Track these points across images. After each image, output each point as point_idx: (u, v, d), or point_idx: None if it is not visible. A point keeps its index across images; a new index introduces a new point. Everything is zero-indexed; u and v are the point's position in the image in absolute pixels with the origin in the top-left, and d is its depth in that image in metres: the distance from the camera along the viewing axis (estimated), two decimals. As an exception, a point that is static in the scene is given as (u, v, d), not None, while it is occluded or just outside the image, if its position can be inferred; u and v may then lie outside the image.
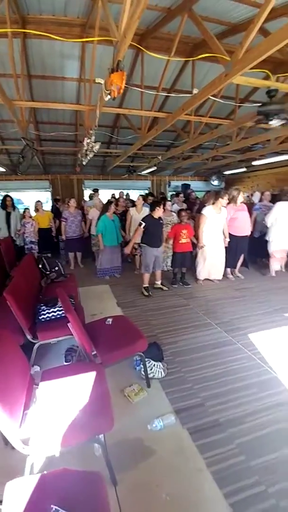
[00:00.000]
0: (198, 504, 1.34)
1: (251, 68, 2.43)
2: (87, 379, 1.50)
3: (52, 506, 0.83)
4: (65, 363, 2.28)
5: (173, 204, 5.86)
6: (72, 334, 2.02)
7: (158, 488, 1.39)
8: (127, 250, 4.19)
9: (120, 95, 4.77)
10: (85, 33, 3.15)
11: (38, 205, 5.82)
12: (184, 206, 5.84)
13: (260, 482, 1.42)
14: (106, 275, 4.90)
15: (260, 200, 5.45)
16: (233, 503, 1.32)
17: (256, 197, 6.31)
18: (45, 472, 1.06)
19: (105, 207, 4.80)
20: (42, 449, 1.14)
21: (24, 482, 0.94)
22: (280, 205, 4.58)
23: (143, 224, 3.86)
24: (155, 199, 6.16)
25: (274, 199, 5.30)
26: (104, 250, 4.74)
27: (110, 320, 2.29)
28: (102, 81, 2.25)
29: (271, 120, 2.89)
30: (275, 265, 4.92)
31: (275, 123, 2.97)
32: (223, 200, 4.30)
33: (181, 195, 6.16)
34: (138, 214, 4.96)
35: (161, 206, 4.00)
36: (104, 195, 7.66)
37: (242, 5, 2.91)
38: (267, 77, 3.19)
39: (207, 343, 2.76)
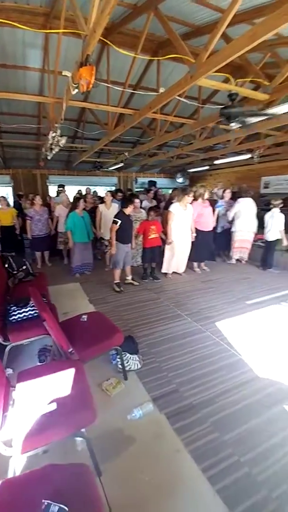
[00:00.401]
0: (178, 481, 1.44)
1: (214, 71, 2.58)
2: (66, 376, 1.49)
3: (43, 501, 0.83)
4: (39, 364, 2.22)
5: (142, 200, 5.93)
6: (45, 334, 1.98)
7: (141, 473, 1.46)
8: (112, 250, 4.04)
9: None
10: (49, 23, 3.01)
11: (1, 201, 5.42)
12: (154, 202, 5.95)
13: (233, 454, 1.57)
14: (76, 272, 4.80)
15: (222, 198, 5.82)
16: (210, 476, 1.45)
17: (217, 195, 6.70)
18: (29, 471, 1.05)
19: (74, 204, 4.69)
20: (24, 449, 1.13)
21: (10, 483, 0.92)
22: (241, 201, 5.25)
23: (119, 221, 3.87)
24: (124, 196, 6.16)
25: (234, 196, 5.74)
26: (74, 247, 4.64)
27: (85, 316, 2.28)
28: (69, 74, 2.19)
29: (232, 122, 3.10)
30: (236, 254, 5.55)
31: (235, 125, 3.19)
32: (189, 197, 4.50)
33: (151, 192, 6.25)
34: (107, 210, 4.93)
35: (133, 203, 4.04)
36: (70, 191, 7.42)
37: (206, 9, 3.03)
38: (227, 80, 3.38)
39: (179, 333, 2.90)
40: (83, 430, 1.35)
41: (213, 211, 5.24)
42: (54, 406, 1.29)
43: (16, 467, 1.17)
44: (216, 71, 2.92)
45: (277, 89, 3.11)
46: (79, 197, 4.99)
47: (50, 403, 1.29)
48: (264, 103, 3.36)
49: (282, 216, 4.81)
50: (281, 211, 4.85)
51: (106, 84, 3.46)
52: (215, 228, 5.35)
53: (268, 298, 3.83)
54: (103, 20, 1.49)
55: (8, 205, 5.70)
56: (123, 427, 1.73)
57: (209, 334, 2.88)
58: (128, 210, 4.00)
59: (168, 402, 1.95)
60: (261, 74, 3.44)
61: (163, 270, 4.73)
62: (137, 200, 4.98)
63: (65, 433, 1.20)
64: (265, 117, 3.11)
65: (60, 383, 1.44)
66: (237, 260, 5.61)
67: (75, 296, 3.97)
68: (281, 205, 4.85)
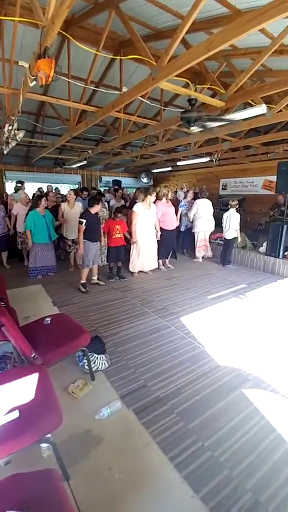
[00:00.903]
0: (148, 473, 1.48)
1: (174, 76, 2.67)
2: (29, 382, 1.43)
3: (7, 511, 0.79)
4: (-1, 372, 2.08)
5: (109, 200, 5.88)
6: (4, 340, 1.86)
7: (110, 470, 1.47)
8: (81, 251, 3.94)
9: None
10: (3, 9, 2.80)
11: None
12: (122, 202, 5.94)
13: (197, 440, 1.67)
14: (38, 274, 4.56)
15: (184, 197, 6.07)
16: (177, 464, 1.51)
17: (180, 195, 6.96)
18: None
19: (35, 202, 4.44)
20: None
21: None
22: (199, 202, 5.56)
23: (84, 221, 3.79)
24: (90, 195, 6.04)
25: (195, 196, 6.03)
26: (34, 247, 4.40)
27: (48, 319, 2.20)
28: (26, 65, 2.07)
29: (192, 126, 3.25)
30: (201, 252, 5.83)
31: (195, 129, 3.35)
32: (152, 197, 4.60)
33: (120, 191, 6.23)
34: (70, 209, 4.78)
35: (99, 203, 3.98)
36: (30, 189, 7.02)
37: (166, 13, 3.11)
38: (187, 85, 3.53)
39: (145, 330, 2.95)
40: (48, 435, 1.31)
41: (176, 210, 5.44)
42: (16, 414, 1.23)
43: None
44: (178, 78, 3.04)
45: (232, 98, 3.33)
46: (40, 195, 4.73)
47: (11, 411, 1.22)
48: (221, 110, 3.57)
49: (238, 216, 5.18)
50: (237, 211, 5.22)
51: (66, 79, 3.36)
52: (178, 227, 5.55)
53: (227, 292, 4.10)
54: (62, 13, 1.45)
55: None
56: (92, 427, 1.71)
57: (174, 329, 2.99)
58: (95, 209, 3.93)
59: (136, 398, 1.98)
60: (218, 83, 3.66)
61: (130, 269, 4.76)
62: (102, 199, 4.93)
63: (29, 440, 1.15)
64: (223, 123, 3.32)
65: (22, 390, 1.37)
66: (202, 257, 5.89)
67: (37, 298, 3.78)
68: (237, 206, 5.22)
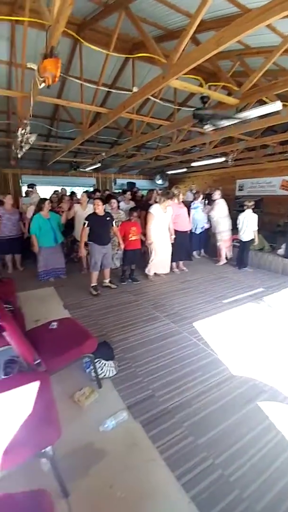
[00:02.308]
0: (152, 493, 1.37)
1: (187, 75, 2.59)
2: (29, 390, 1.38)
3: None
4: (4, 377, 2.06)
5: (119, 202, 5.84)
6: (8, 345, 1.84)
7: (111, 488, 1.38)
8: (81, 253, 4.04)
9: (59, 86, 4.59)
10: (14, 13, 2.86)
11: None
12: (132, 204, 5.89)
13: (207, 457, 1.54)
14: (49, 277, 4.59)
15: (194, 199, 5.91)
16: (185, 483, 1.40)
17: (189, 196, 6.81)
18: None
19: (38, 206, 4.42)
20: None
21: None
22: (220, 202, 5.40)
23: (86, 223, 3.77)
24: (101, 196, 6.04)
25: (210, 198, 5.86)
26: (40, 251, 4.41)
27: (55, 324, 2.16)
28: (35, 67, 2.07)
29: (205, 124, 3.13)
30: (225, 253, 5.58)
31: (208, 127, 3.23)
32: (171, 202, 4.53)
33: (128, 193, 6.18)
34: (83, 211, 4.79)
35: (98, 203, 3.85)
36: (46, 192, 7.16)
37: (177, 13, 3.06)
38: (201, 85, 3.43)
39: (156, 336, 2.85)
40: (48, 448, 1.24)
41: (189, 212, 5.31)
42: (12, 426, 1.17)
43: None
44: (190, 76, 2.96)
45: (246, 95, 3.21)
46: (43, 198, 4.72)
47: (7, 423, 1.17)
48: (235, 107, 3.43)
49: (255, 217, 4.96)
50: (254, 212, 5.00)
51: (79, 81, 3.37)
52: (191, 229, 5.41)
53: (244, 296, 3.91)
54: (65, 11, 1.42)
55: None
56: (95, 440, 1.63)
57: (186, 335, 2.87)
58: (97, 211, 3.85)
59: (143, 408, 1.88)
60: (231, 81, 3.53)
61: (146, 271, 4.65)
62: (113, 201, 4.90)
63: (25, 455, 1.09)
64: (237, 121, 3.18)
65: (21, 399, 1.32)
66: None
67: (49, 301, 3.79)
68: (253, 207, 5.00)
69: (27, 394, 1.33)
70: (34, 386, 1.37)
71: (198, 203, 5.80)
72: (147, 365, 2.36)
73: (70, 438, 1.55)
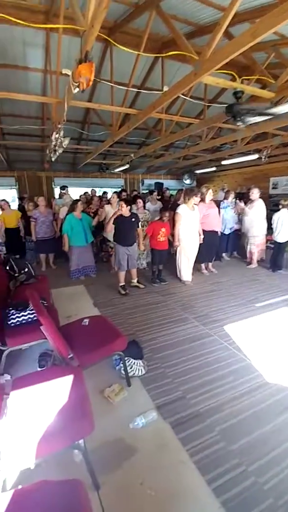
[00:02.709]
0: (181, 494, 1.35)
1: (219, 70, 2.51)
2: (64, 383, 1.43)
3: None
4: (39, 369, 2.17)
5: (147, 202, 5.86)
6: (45, 338, 1.93)
7: (142, 485, 1.38)
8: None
9: (90, 90, 4.74)
10: (49, 21, 3.00)
11: (2, 204, 5.48)
12: (159, 204, 5.87)
13: (240, 463, 1.48)
14: (80, 275, 4.76)
15: (225, 198, 5.68)
16: (216, 488, 1.36)
17: (220, 195, 6.57)
18: (19, 487, 0.99)
19: (71, 206, 4.63)
20: (15, 462, 1.06)
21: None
22: (257, 204, 5.07)
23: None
24: (128, 196, 6.12)
25: (242, 197, 5.60)
26: (72, 250, 4.57)
27: (86, 321, 2.22)
28: (70, 72, 2.15)
29: (238, 120, 3.01)
30: (257, 256, 5.31)
31: (241, 124, 3.10)
32: (196, 198, 4.41)
33: (155, 193, 6.16)
34: (113, 211, 4.89)
35: (122, 205, 3.86)
36: (76, 193, 7.44)
37: (208, 8, 2.99)
38: (233, 79, 3.31)
39: (186, 337, 2.80)
40: (81, 441, 1.28)
41: (219, 212, 5.13)
42: (48, 416, 1.22)
43: (6, 482, 1.11)
44: (222, 71, 2.87)
45: (282, 88, 3.02)
46: (76, 199, 4.91)
47: (44, 412, 1.23)
48: (271, 102, 3.25)
49: (292, 216, 4.66)
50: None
51: (109, 83, 3.44)
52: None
53: (278, 301, 3.69)
54: (100, 14, 1.45)
55: (9, 207, 5.74)
56: (125, 436, 1.64)
57: (217, 338, 2.78)
58: (123, 212, 3.86)
59: (173, 410, 1.86)
60: (266, 73, 3.36)
61: (179, 276, 4.50)
62: (139, 201, 4.92)
63: (60, 445, 1.13)
64: (272, 116, 3.01)
65: (57, 391, 1.37)
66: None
67: (79, 299, 3.92)
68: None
69: (62, 386, 1.39)
70: (69, 379, 1.42)
71: (228, 203, 5.58)
72: (176, 367, 2.32)
73: (101, 432, 1.57)
